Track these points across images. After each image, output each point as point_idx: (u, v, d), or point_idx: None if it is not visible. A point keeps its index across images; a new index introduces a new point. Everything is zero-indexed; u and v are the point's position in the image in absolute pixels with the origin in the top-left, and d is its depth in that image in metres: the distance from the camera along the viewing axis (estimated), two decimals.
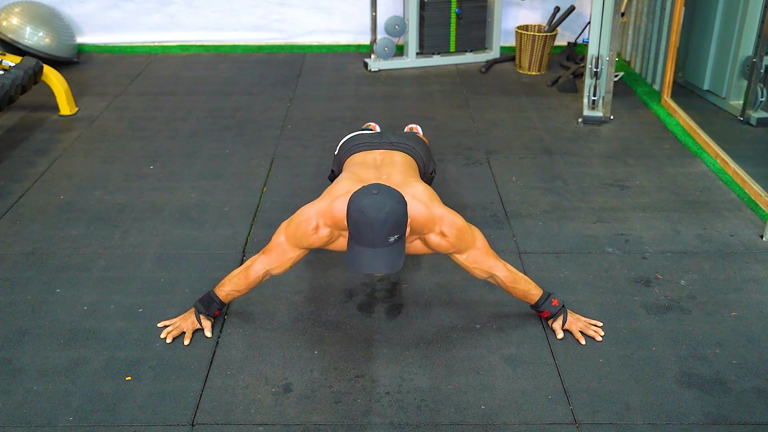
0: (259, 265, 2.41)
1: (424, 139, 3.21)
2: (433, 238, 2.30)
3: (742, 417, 2.14)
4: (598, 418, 2.14)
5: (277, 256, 2.37)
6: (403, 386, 2.25)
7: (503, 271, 2.41)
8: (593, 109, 4.32)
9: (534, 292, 2.47)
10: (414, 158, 2.67)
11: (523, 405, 2.18)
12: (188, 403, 2.18)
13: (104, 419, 2.12)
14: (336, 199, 2.28)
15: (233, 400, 2.20)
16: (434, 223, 2.28)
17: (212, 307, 2.48)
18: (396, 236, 2.08)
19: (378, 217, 2.02)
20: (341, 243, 2.33)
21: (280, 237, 2.37)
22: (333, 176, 2.83)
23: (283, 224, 2.39)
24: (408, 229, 2.15)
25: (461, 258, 2.37)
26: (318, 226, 2.28)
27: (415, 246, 2.35)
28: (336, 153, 2.81)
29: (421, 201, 2.29)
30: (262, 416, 2.14)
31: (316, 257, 2.89)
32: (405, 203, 2.12)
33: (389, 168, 2.50)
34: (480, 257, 2.37)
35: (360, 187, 2.18)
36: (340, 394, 2.23)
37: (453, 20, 5.32)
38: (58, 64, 5.15)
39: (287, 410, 2.16)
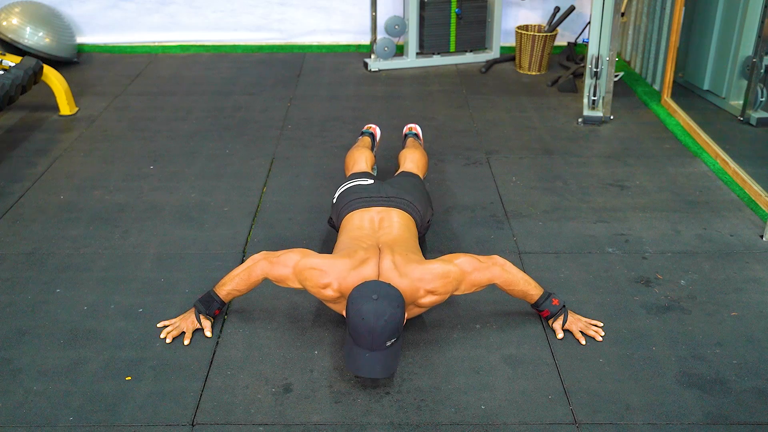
0: (260, 270, 2.44)
1: (422, 160, 3.21)
2: (425, 300, 2.34)
3: (742, 417, 2.14)
4: (598, 418, 2.14)
5: (278, 274, 2.41)
6: (403, 386, 2.25)
7: (500, 278, 2.42)
8: (593, 109, 4.32)
9: (534, 292, 2.47)
10: (411, 214, 2.71)
11: (523, 405, 2.18)
12: (188, 403, 2.18)
13: (104, 419, 2.12)
14: (354, 269, 2.31)
15: (233, 400, 2.20)
16: (417, 288, 2.31)
17: (212, 307, 2.49)
18: (393, 340, 2.17)
19: (377, 325, 2.11)
20: (341, 307, 2.37)
21: (289, 263, 2.39)
22: (331, 223, 2.87)
23: (299, 253, 2.40)
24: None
25: (460, 292, 2.40)
26: (329, 285, 2.32)
27: (413, 312, 2.39)
28: (334, 202, 2.85)
29: (397, 271, 2.31)
30: (262, 416, 2.14)
31: None
32: (403, 305, 2.20)
33: (386, 234, 2.54)
34: (476, 279, 2.39)
35: (372, 259, 2.32)
36: (340, 394, 2.23)
37: (453, 20, 5.32)
38: (58, 64, 5.15)
39: (287, 410, 2.16)
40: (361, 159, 3.19)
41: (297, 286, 2.39)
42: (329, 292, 2.32)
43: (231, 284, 2.47)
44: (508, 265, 2.47)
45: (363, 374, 2.17)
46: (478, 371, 2.32)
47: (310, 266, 2.34)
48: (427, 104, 4.63)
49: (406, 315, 2.26)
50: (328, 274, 2.31)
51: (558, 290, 2.70)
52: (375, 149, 3.55)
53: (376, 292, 2.17)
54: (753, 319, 2.56)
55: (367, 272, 2.29)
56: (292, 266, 2.37)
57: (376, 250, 2.39)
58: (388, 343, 2.16)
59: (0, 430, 2.09)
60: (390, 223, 2.61)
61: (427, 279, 2.31)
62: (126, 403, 2.18)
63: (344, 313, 2.28)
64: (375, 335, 2.12)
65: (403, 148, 3.43)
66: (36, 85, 4.30)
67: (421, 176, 3.09)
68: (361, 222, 2.62)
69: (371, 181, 2.85)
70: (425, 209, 2.82)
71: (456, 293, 2.39)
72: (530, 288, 2.47)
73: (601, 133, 4.20)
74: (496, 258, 2.47)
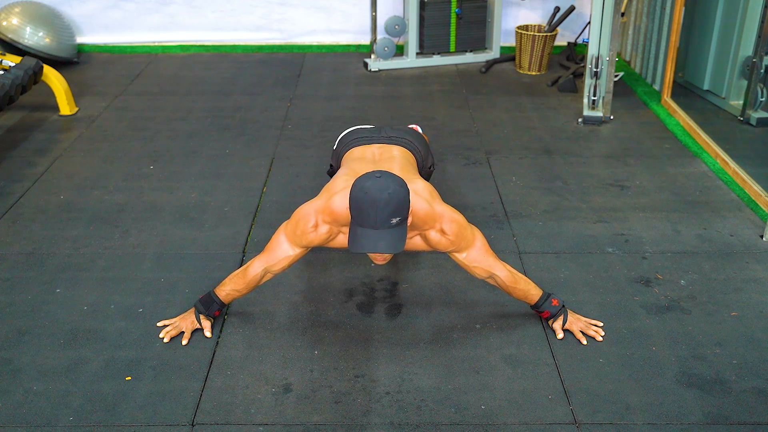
0: (257, 264, 2.41)
1: (424, 135, 3.21)
2: (433, 235, 2.31)
3: (742, 417, 2.14)
4: (598, 418, 2.14)
5: (276, 254, 2.37)
6: (403, 386, 2.25)
7: (503, 272, 2.41)
8: (593, 109, 4.32)
9: (534, 292, 2.47)
10: (412, 152, 2.67)
11: (523, 405, 2.18)
12: (188, 403, 2.18)
13: (104, 419, 2.12)
14: (334, 195, 2.28)
15: (233, 400, 2.20)
16: (435, 220, 2.28)
17: (212, 308, 2.49)
18: (398, 218, 2.08)
19: (381, 198, 2.04)
20: (341, 240, 2.33)
21: (279, 236, 2.37)
22: (332, 171, 2.83)
23: (282, 225, 2.40)
24: (409, 220, 2.16)
25: (460, 257, 2.37)
26: (317, 224, 2.29)
27: (414, 242, 2.35)
28: (335, 147, 2.82)
29: (422, 197, 2.29)
30: (262, 416, 2.14)
31: (316, 257, 2.89)
32: (407, 188, 2.13)
33: (387, 163, 2.51)
34: (479, 256, 2.37)
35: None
36: (340, 394, 2.23)
37: (453, 20, 5.32)
38: (58, 64, 5.15)
39: (287, 410, 2.16)
40: None
41: (300, 251, 2.35)
42: (322, 229, 2.28)
43: (230, 284, 2.47)
44: (510, 267, 2.47)
45: (368, 250, 2.08)
46: (478, 371, 2.32)
47: (295, 221, 2.31)
48: (427, 104, 4.63)
49: (408, 237, 2.21)
50: (311, 215, 2.28)
51: (558, 290, 2.70)
52: None
53: (380, 173, 2.11)
54: (753, 319, 2.56)
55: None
56: (283, 237, 2.35)
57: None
58: (393, 221, 2.07)
59: (0, 430, 2.09)
60: (390, 155, 2.57)
61: (447, 218, 2.29)
62: (126, 403, 2.18)
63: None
64: (378, 208, 2.03)
65: None
66: (36, 85, 4.30)
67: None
68: (361, 154, 2.59)
69: (372, 126, 2.84)
70: (426, 153, 2.79)
71: (456, 255, 2.36)
72: (531, 288, 2.47)
73: (601, 133, 4.20)
74: (500, 260, 2.46)
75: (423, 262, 2.88)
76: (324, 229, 2.29)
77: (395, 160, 2.54)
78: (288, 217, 3.23)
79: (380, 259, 2.23)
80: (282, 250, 2.36)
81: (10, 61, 4.19)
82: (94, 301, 2.66)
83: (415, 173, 2.54)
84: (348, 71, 5.27)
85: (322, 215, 2.28)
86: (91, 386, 2.25)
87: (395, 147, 2.65)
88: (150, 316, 2.57)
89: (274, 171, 3.69)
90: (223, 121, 4.32)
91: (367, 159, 2.55)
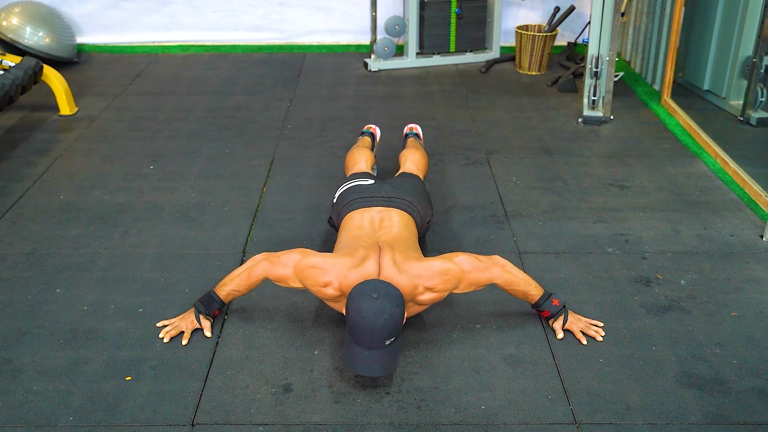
0: (260, 270, 2.44)
1: (422, 160, 3.20)
2: (424, 297, 2.33)
3: (742, 417, 2.14)
4: (598, 418, 2.14)
5: (279, 274, 2.41)
6: (403, 386, 2.25)
7: (500, 278, 2.43)
8: (593, 109, 4.32)
9: (534, 292, 2.47)
10: (411, 215, 2.71)
11: (523, 405, 2.18)
12: (188, 403, 2.18)
13: (104, 419, 2.12)
14: (355, 268, 2.30)
15: (233, 400, 2.20)
16: (416, 285, 2.30)
17: (212, 307, 2.49)
18: (392, 339, 2.17)
19: (377, 324, 2.12)
20: (341, 306, 2.36)
21: (290, 263, 2.39)
22: (332, 223, 2.87)
23: (300, 253, 2.40)
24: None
25: (459, 290, 2.40)
26: (329, 284, 2.31)
27: (412, 310, 2.39)
28: (334, 201, 2.84)
29: (397, 267, 2.31)
30: (262, 416, 2.14)
31: None
32: (403, 305, 2.20)
33: (387, 233, 2.54)
34: (475, 278, 2.39)
35: (372, 257, 2.32)
36: (340, 394, 2.23)
37: (453, 20, 5.32)
38: (58, 64, 5.15)
39: (287, 410, 2.16)
40: (361, 159, 3.19)
41: (298, 285, 2.39)
42: (330, 291, 2.32)
43: (231, 285, 2.47)
44: (509, 265, 2.47)
45: (361, 373, 2.17)
46: (478, 371, 2.32)
47: (311, 265, 2.34)
48: (427, 104, 4.63)
49: (405, 314, 2.26)
50: (329, 273, 2.31)
51: (558, 290, 2.70)
52: (375, 149, 3.55)
53: (377, 291, 2.17)
54: (753, 319, 2.56)
55: (368, 270, 2.29)
56: (292, 266, 2.37)
57: (376, 248, 2.39)
58: (387, 342, 2.16)
59: (0, 430, 2.09)
60: (390, 222, 2.61)
61: (426, 276, 2.31)
62: (126, 403, 2.18)
63: (345, 312, 2.28)
64: (374, 334, 2.12)
65: (403, 148, 3.43)
66: (36, 85, 4.30)
67: (421, 177, 3.09)
68: (361, 221, 2.62)
69: (371, 182, 2.85)
70: (425, 210, 2.82)
71: (455, 291, 2.39)
72: (531, 288, 2.47)
73: (601, 133, 4.20)
74: (497, 258, 2.47)
75: None
76: (331, 292, 2.33)
77: (394, 228, 2.58)
78: (288, 217, 3.23)
79: None
80: (285, 274, 2.39)
81: (10, 61, 4.19)
82: (94, 301, 2.66)
83: (410, 239, 2.57)
84: (348, 71, 5.27)
85: (339, 281, 2.30)
86: (91, 386, 2.25)
87: (395, 211, 2.67)
88: (150, 316, 2.57)
89: (274, 171, 3.69)
90: (223, 121, 4.32)
91: (366, 228, 2.58)
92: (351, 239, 2.52)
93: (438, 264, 2.34)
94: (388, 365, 2.18)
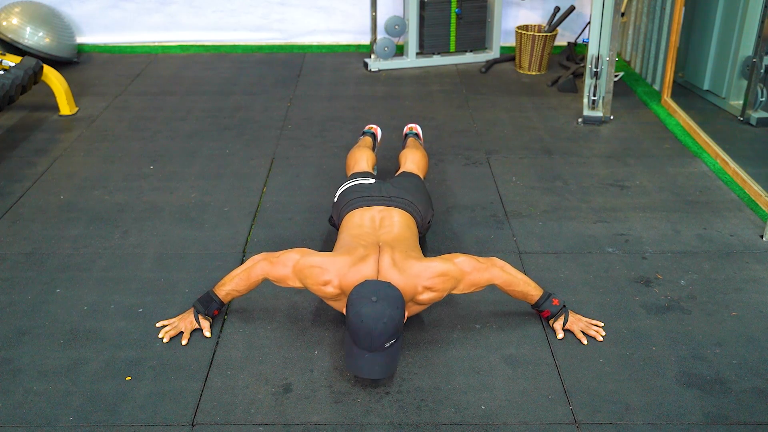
0: (260, 270, 2.44)
1: (422, 160, 3.20)
2: (423, 297, 2.33)
3: (742, 417, 2.14)
4: (598, 418, 2.14)
5: (278, 274, 2.41)
6: (403, 386, 2.25)
7: (499, 278, 2.43)
8: (593, 109, 4.32)
9: (533, 292, 2.47)
10: (412, 214, 2.70)
11: (523, 405, 2.18)
12: (188, 403, 2.18)
13: (104, 419, 2.12)
14: (354, 266, 2.31)
15: (233, 400, 2.20)
16: (415, 285, 2.30)
17: (211, 307, 2.49)
18: (393, 341, 2.17)
19: (376, 327, 2.11)
20: (341, 305, 2.36)
21: (289, 263, 2.38)
22: (332, 222, 2.87)
23: (299, 252, 2.40)
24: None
25: (459, 291, 2.40)
26: (329, 282, 2.31)
27: (411, 310, 2.39)
28: (335, 201, 2.84)
29: (396, 267, 2.31)
30: (262, 416, 2.14)
31: None
32: (402, 306, 2.19)
33: (387, 232, 2.54)
34: (475, 279, 2.39)
35: (371, 256, 2.31)
36: (340, 394, 2.23)
37: (453, 20, 5.32)
38: (58, 64, 5.15)
39: (287, 410, 2.16)
40: (362, 159, 3.19)
41: (297, 285, 2.39)
42: (330, 290, 2.32)
43: (230, 285, 2.48)
44: (507, 266, 2.47)
45: (362, 375, 2.17)
46: (478, 371, 2.32)
47: (310, 264, 2.34)
48: (427, 104, 4.63)
49: (406, 314, 2.26)
50: (328, 272, 2.31)
51: (558, 290, 2.70)
52: (376, 149, 3.55)
53: (376, 293, 2.17)
54: (753, 319, 2.56)
55: (367, 269, 2.29)
56: (291, 265, 2.37)
57: (376, 248, 2.39)
58: (387, 344, 2.16)
59: (0, 430, 2.09)
60: (391, 222, 2.61)
61: (425, 276, 2.31)
62: (126, 403, 2.18)
63: (344, 311, 2.28)
64: (374, 337, 2.12)
65: (403, 148, 3.43)
66: (36, 85, 4.30)
67: (421, 176, 3.09)
68: (361, 220, 2.62)
69: (372, 181, 2.85)
70: (426, 209, 2.82)
71: (454, 292, 2.39)
72: (530, 288, 2.47)
73: (601, 133, 4.20)
74: (495, 260, 2.47)
75: None
76: (331, 291, 2.32)
77: (395, 227, 2.58)
78: (288, 217, 3.23)
79: None
80: (284, 274, 2.39)
81: (10, 61, 4.19)
82: (94, 301, 2.66)
83: (410, 238, 2.57)
84: (348, 71, 5.27)
85: (339, 279, 2.30)
86: (91, 386, 2.25)
87: (395, 211, 2.67)
88: (150, 316, 2.57)
89: (274, 171, 3.69)
90: (223, 121, 4.32)
91: (366, 227, 2.58)
92: (351, 238, 2.52)
93: (437, 264, 2.34)
94: (389, 367, 2.19)
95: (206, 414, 2.15)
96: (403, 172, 3.09)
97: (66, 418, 2.13)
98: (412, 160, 3.17)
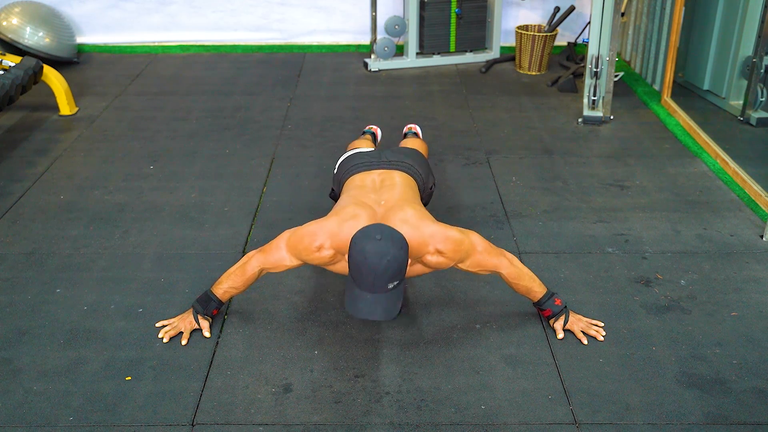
0: (255, 262, 2.42)
1: (422, 146, 3.21)
2: (431, 258, 2.31)
3: (742, 417, 2.14)
4: (598, 418, 2.14)
5: (274, 258, 2.39)
6: (403, 386, 2.25)
7: (507, 268, 2.42)
8: (593, 109, 4.32)
9: (537, 289, 2.47)
10: (413, 176, 2.68)
11: (523, 405, 2.18)
12: (188, 403, 2.18)
13: (104, 419, 2.13)
14: (344, 222, 2.29)
15: (233, 400, 2.20)
16: (427, 244, 2.28)
17: (210, 306, 2.49)
18: (395, 282, 2.13)
19: (380, 264, 2.07)
20: (341, 266, 2.34)
21: (281, 243, 2.37)
22: (333, 195, 2.85)
23: (288, 231, 2.39)
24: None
25: (464, 266, 2.38)
26: (322, 246, 2.29)
27: (416, 269, 2.37)
28: (335, 172, 2.82)
29: (410, 224, 2.29)
30: (262, 416, 2.14)
31: None
32: (406, 248, 2.15)
33: (388, 192, 2.51)
34: (482, 260, 2.38)
35: (363, 214, 2.27)
36: (340, 394, 2.23)
37: (453, 20, 5.32)
38: (58, 64, 5.15)
39: (287, 410, 2.16)
40: (362, 144, 3.21)
41: (296, 262, 2.37)
42: (326, 253, 2.29)
43: (227, 282, 2.47)
44: (516, 260, 2.47)
45: (363, 316, 2.13)
46: (478, 371, 2.32)
47: (300, 235, 2.32)
48: (427, 104, 4.63)
49: (409, 264, 2.23)
50: (319, 235, 2.29)
51: (558, 290, 2.70)
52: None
53: (380, 232, 2.13)
54: (753, 319, 2.56)
55: (359, 225, 2.26)
56: (284, 245, 2.36)
57: (371, 208, 2.36)
58: (390, 286, 2.12)
59: (0, 430, 2.09)
60: (392, 182, 2.57)
61: (439, 238, 2.29)
62: (126, 403, 2.18)
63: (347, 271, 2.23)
64: (377, 275, 2.08)
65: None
66: (36, 85, 4.30)
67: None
68: (362, 182, 2.59)
69: (372, 149, 2.84)
70: (426, 175, 2.79)
71: (460, 266, 2.36)
72: (534, 285, 2.47)
73: (601, 133, 4.20)
74: (506, 252, 2.46)
75: None
76: (327, 254, 2.30)
77: (396, 187, 2.54)
78: (288, 217, 3.23)
79: None
80: (280, 256, 2.38)
81: (10, 61, 4.19)
82: (94, 301, 2.66)
83: (415, 199, 2.54)
84: (348, 71, 5.27)
85: (331, 240, 2.28)
86: (91, 386, 2.25)
87: (396, 173, 2.64)
88: (150, 316, 2.57)
89: (274, 171, 3.69)
90: (223, 121, 4.32)
91: (367, 187, 2.55)
92: (348, 198, 2.48)
93: (454, 232, 2.32)
94: (391, 310, 2.14)
95: (206, 414, 2.15)
96: (403, 146, 3.09)
97: (66, 418, 2.13)
98: (412, 143, 3.19)
